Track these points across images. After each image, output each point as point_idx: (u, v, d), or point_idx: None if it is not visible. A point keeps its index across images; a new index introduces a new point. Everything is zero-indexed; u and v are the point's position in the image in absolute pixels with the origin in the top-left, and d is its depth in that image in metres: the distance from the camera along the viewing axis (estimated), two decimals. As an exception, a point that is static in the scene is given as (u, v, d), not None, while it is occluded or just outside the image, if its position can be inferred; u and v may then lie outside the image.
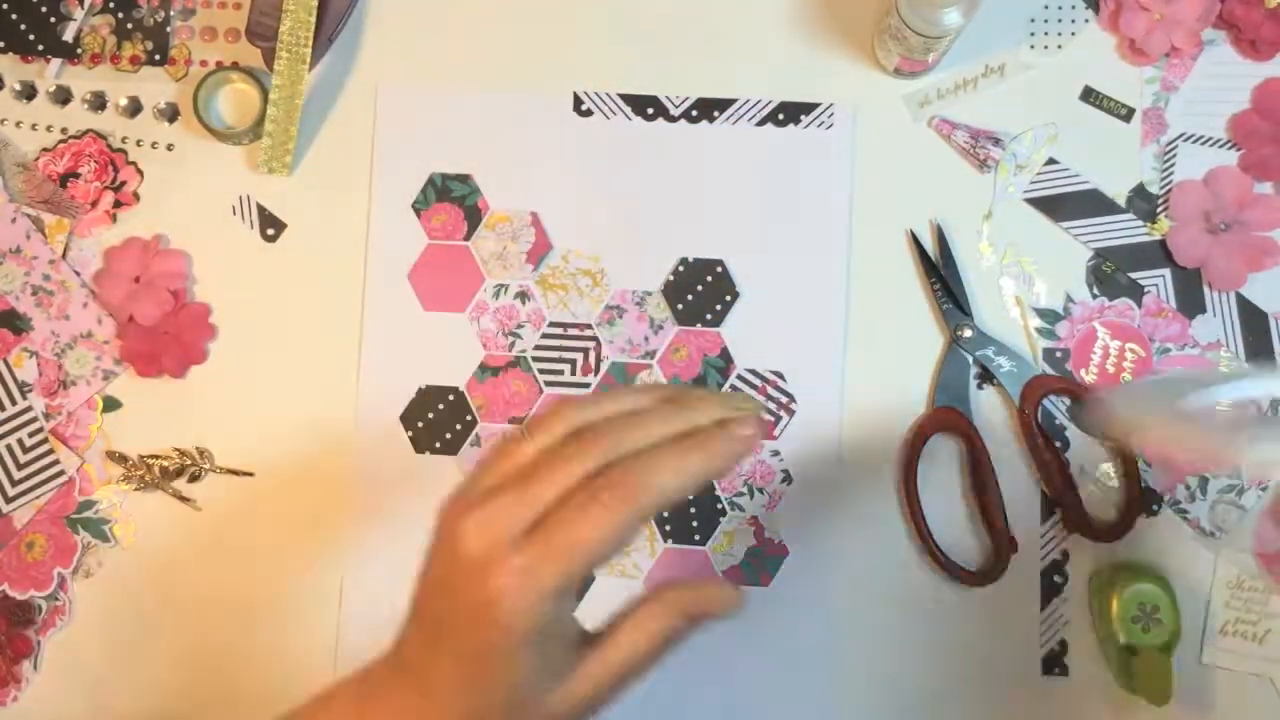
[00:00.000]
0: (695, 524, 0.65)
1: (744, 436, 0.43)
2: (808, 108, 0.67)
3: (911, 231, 0.66)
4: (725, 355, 0.66)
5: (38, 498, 0.66)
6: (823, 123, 0.67)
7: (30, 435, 0.66)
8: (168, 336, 0.66)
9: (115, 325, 0.66)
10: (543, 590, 0.40)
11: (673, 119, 0.67)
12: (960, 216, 0.66)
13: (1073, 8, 0.67)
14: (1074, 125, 0.66)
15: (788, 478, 0.65)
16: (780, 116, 0.67)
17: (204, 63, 0.68)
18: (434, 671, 0.43)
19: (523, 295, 0.67)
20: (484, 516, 0.41)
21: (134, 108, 0.68)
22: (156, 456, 0.66)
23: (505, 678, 0.42)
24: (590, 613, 0.65)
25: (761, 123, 0.67)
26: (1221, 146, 0.66)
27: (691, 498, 0.65)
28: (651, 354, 0.66)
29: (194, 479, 0.66)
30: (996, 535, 0.63)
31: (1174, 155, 0.66)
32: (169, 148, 0.68)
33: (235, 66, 0.68)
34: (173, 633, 0.66)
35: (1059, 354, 0.65)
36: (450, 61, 0.68)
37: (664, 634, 0.44)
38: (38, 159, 0.68)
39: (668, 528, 0.65)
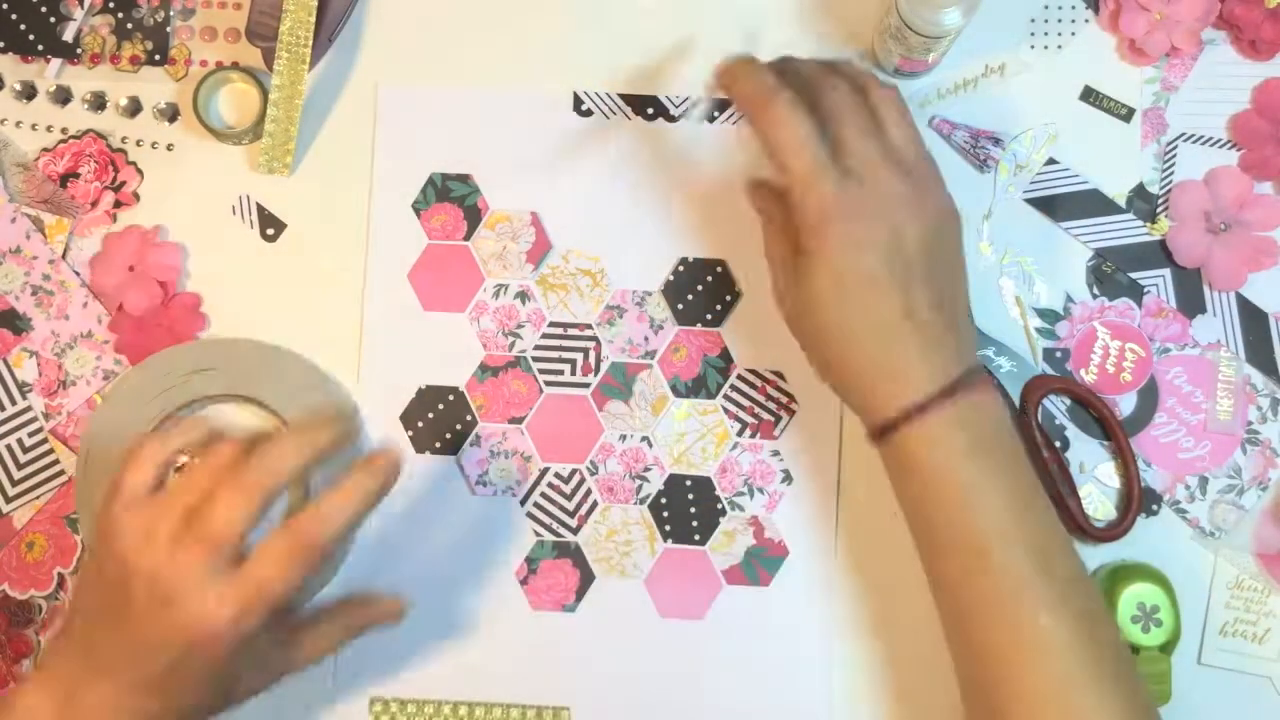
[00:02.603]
0: (695, 524, 0.65)
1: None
2: (808, 108, 0.67)
3: (911, 231, 0.66)
4: (725, 355, 0.66)
5: (38, 498, 0.66)
6: (823, 123, 0.66)
7: (30, 435, 0.66)
8: (160, 329, 0.66)
9: (107, 313, 0.66)
10: (247, 627, 0.49)
11: (673, 119, 0.67)
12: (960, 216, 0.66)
13: (1073, 8, 0.67)
14: (1074, 125, 0.66)
15: (788, 477, 0.65)
16: (780, 116, 0.67)
17: (204, 63, 0.68)
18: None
19: (523, 295, 0.67)
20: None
21: (134, 108, 0.68)
22: (156, 456, 0.66)
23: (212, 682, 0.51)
24: (593, 611, 0.66)
25: (761, 123, 0.67)
26: (1221, 146, 0.66)
27: (687, 501, 0.65)
28: (651, 354, 0.66)
29: (194, 479, 0.66)
30: (996, 535, 0.63)
31: (1174, 155, 0.66)
32: (169, 148, 0.68)
33: (235, 66, 0.68)
34: (173, 633, 0.66)
35: (1059, 354, 0.65)
36: (450, 61, 0.68)
37: (342, 642, 0.56)
38: (38, 159, 0.68)
39: (668, 528, 0.65)
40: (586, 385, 0.66)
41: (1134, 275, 0.65)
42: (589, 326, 0.66)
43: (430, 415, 0.66)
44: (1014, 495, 0.53)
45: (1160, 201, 0.66)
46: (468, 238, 0.67)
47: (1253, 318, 0.65)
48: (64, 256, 0.67)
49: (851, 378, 0.55)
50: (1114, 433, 0.64)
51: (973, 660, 0.54)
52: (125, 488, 0.52)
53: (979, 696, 0.54)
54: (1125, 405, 0.65)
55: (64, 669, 0.51)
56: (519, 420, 0.66)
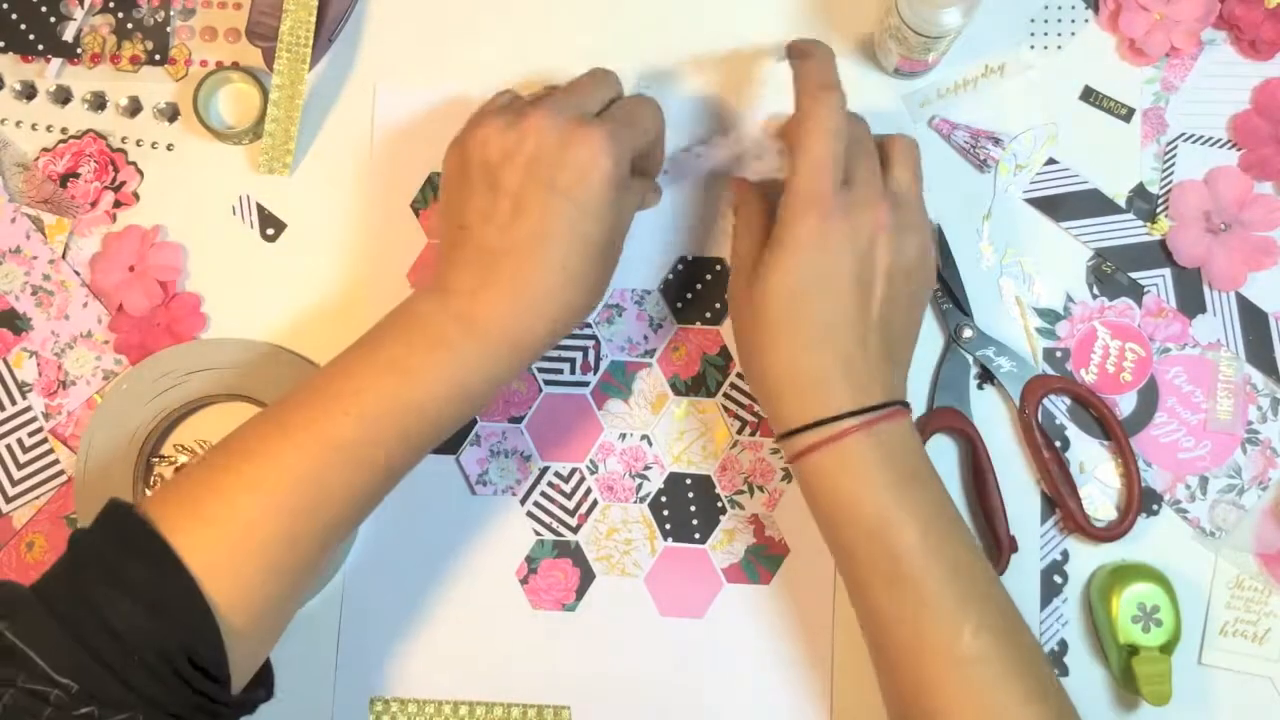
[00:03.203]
0: (695, 522, 0.65)
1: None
2: (808, 107, 0.67)
3: (911, 231, 0.66)
4: (724, 354, 0.66)
5: (38, 498, 0.66)
6: (823, 122, 0.66)
7: (30, 435, 0.66)
8: (160, 329, 0.66)
9: (108, 313, 0.66)
10: (624, 144, 0.54)
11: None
12: (960, 216, 0.66)
13: (1073, 8, 0.67)
14: (1074, 125, 0.66)
15: (788, 475, 0.65)
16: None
17: (204, 63, 0.68)
18: (539, 250, 0.53)
19: (523, 295, 0.66)
20: (555, 107, 0.54)
21: (134, 108, 0.68)
22: (157, 455, 0.66)
23: (607, 218, 0.54)
24: (593, 610, 0.65)
25: (761, 122, 0.67)
26: (1221, 146, 0.66)
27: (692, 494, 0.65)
28: (650, 353, 0.66)
29: (194, 478, 0.66)
30: (997, 535, 0.63)
31: (1174, 155, 0.66)
32: (169, 148, 0.68)
33: (235, 66, 0.68)
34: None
35: (1059, 354, 0.65)
36: (450, 61, 0.68)
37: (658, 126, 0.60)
38: (38, 159, 0.68)
39: (668, 526, 0.65)
40: (586, 384, 0.66)
41: (1134, 275, 0.65)
42: (588, 325, 0.66)
43: (430, 415, 0.66)
44: (929, 520, 0.53)
45: (1160, 201, 0.66)
46: (468, 237, 0.67)
47: (1253, 317, 0.65)
48: (64, 256, 0.67)
49: (774, 380, 0.55)
50: (1114, 433, 0.64)
51: (903, 693, 0.54)
52: (484, 111, 0.57)
53: None
54: (1125, 405, 0.65)
55: (455, 281, 0.55)
56: (518, 419, 0.66)
